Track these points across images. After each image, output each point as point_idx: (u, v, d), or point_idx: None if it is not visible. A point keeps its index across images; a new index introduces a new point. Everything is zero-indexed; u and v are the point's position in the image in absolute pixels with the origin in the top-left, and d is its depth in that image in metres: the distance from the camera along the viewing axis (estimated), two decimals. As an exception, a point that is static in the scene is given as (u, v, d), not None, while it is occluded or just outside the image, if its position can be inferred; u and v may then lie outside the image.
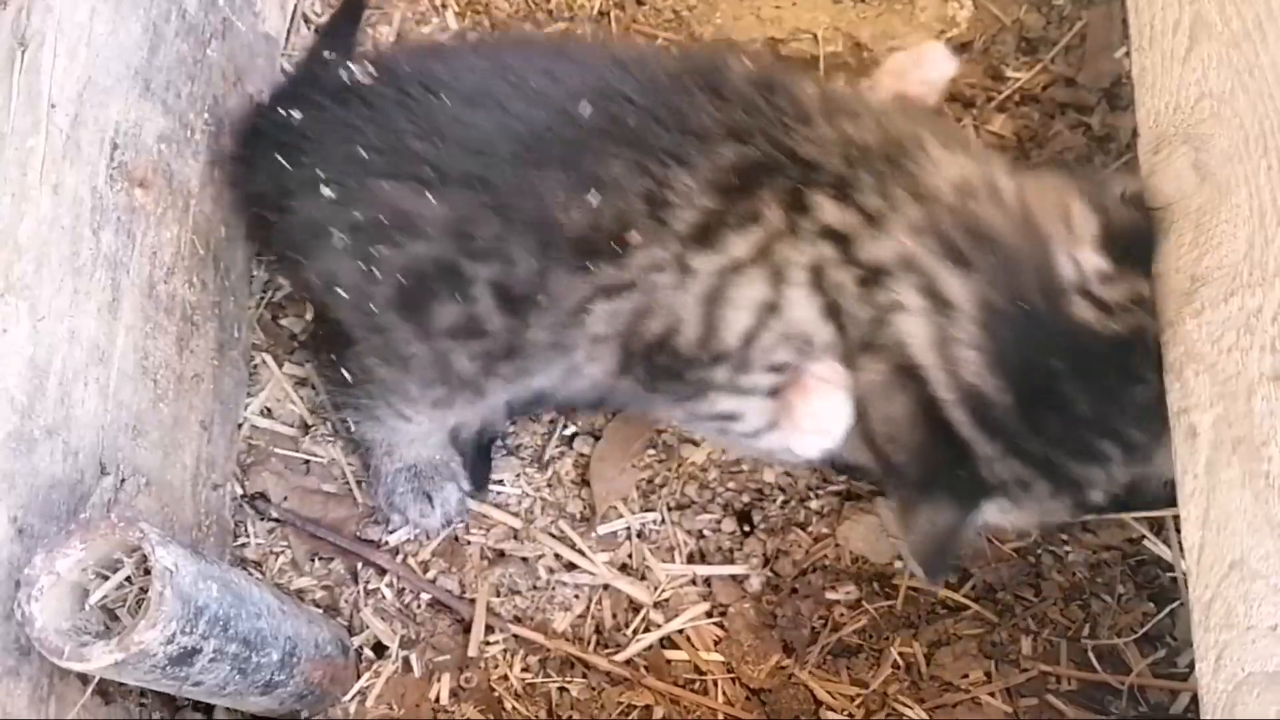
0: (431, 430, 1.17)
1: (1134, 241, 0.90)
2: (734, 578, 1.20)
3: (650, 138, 0.94)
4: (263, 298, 1.29)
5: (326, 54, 1.20)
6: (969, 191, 0.91)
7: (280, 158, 1.04)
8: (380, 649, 1.18)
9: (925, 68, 1.09)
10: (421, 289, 0.99)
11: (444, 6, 1.41)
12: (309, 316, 1.29)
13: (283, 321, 1.29)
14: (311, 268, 1.06)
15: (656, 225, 0.93)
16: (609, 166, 0.93)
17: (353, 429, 1.20)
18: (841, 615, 1.17)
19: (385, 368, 1.07)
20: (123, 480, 1.00)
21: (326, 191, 1.01)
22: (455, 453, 1.22)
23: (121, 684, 0.96)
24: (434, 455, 1.20)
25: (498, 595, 1.20)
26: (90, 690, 0.92)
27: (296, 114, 1.05)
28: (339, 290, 1.03)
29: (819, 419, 0.93)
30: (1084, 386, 0.88)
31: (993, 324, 0.87)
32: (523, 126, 0.97)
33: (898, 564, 1.19)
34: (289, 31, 1.36)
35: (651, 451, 1.25)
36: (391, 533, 1.22)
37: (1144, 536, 1.17)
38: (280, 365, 1.27)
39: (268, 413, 1.26)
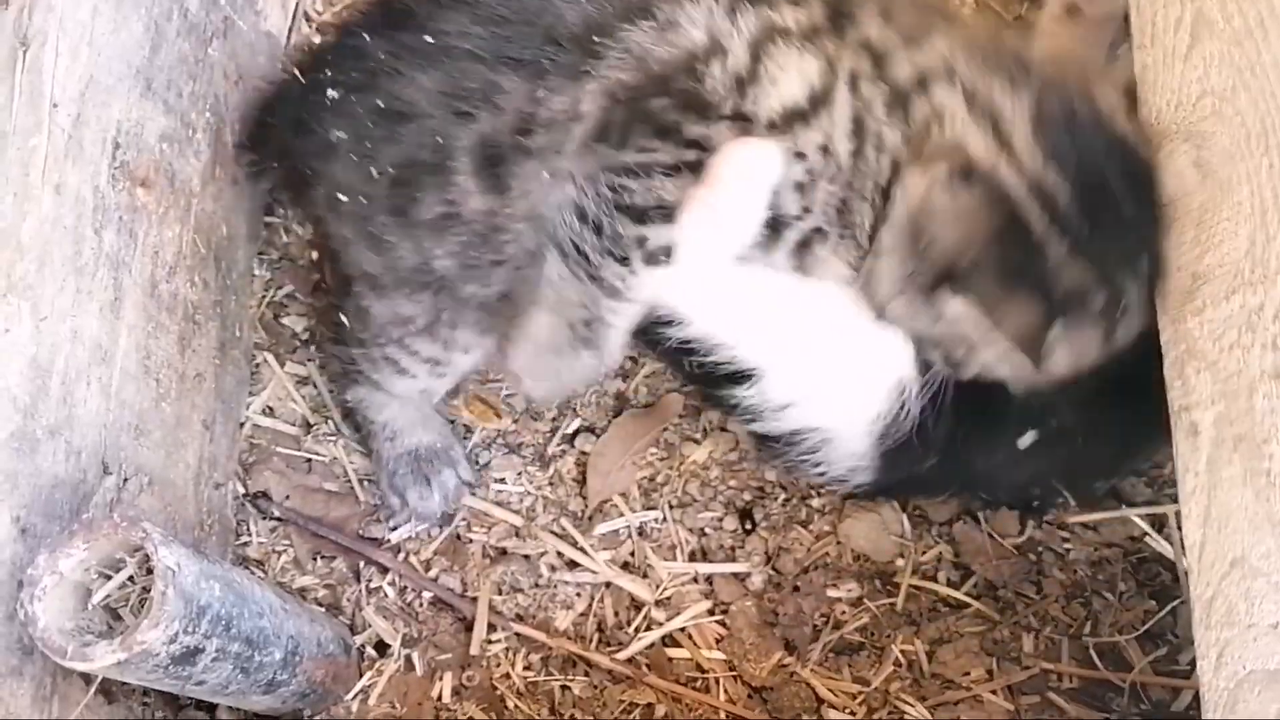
0: (429, 393, 1.18)
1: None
2: (736, 576, 1.20)
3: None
4: (264, 297, 1.29)
5: None
6: (1002, 29, 0.95)
7: (295, 68, 1.10)
8: (382, 647, 1.18)
9: None
10: (409, 181, 1.00)
11: None
12: (310, 319, 1.29)
13: (284, 320, 1.29)
14: (319, 183, 1.08)
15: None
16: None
17: (355, 410, 1.21)
18: (843, 613, 1.17)
19: (379, 302, 1.08)
20: (125, 480, 1.01)
21: (331, 91, 1.03)
22: (455, 441, 1.23)
23: (124, 683, 0.96)
24: (435, 441, 1.21)
25: (500, 593, 1.20)
26: (93, 690, 0.92)
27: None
28: (340, 197, 1.04)
29: (741, 164, 0.91)
30: (1128, 192, 0.91)
31: (1043, 129, 0.89)
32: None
33: (899, 562, 1.19)
34: (290, 30, 1.36)
35: (653, 450, 1.25)
36: (394, 529, 1.22)
37: (1146, 534, 1.17)
38: (282, 364, 1.27)
39: (270, 411, 1.26)
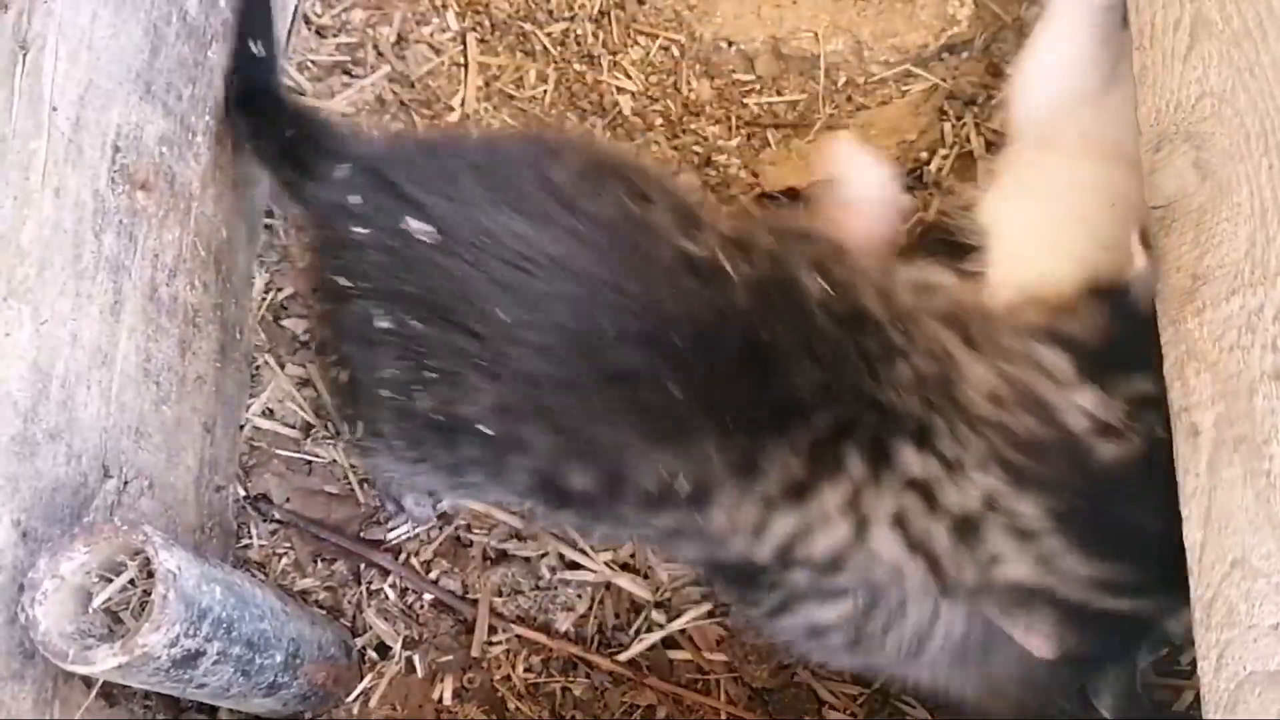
0: None
1: (1105, 348, 0.91)
2: (736, 577, 1.20)
3: (739, 409, 0.89)
4: (264, 299, 1.29)
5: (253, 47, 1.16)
6: (1000, 401, 0.90)
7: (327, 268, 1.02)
8: (383, 650, 1.18)
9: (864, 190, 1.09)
10: (456, 434, 0.96)
11: (444, 7, 1.41)
12: (310, 321, 1.29)
13: (284, 323, 1.29)
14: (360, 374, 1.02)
15: (742, 489, 0.90)
16: (694, 440, 0.89)
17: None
18: (844, 614, 1.17)
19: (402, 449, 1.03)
20: (126, 483, 1.01)
21: (380, 322, 0.96)
22: None
23: (125, 687, 0.96)
24: None
25: (500, 595, 1.20)
26: (94, 693, 0.92)
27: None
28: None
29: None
30: (1147, 510, 0.88)
31: (1066, 524, 0.87)
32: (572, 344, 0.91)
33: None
34: (290, 32, 1.36)
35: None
36: (391, 530, 1.22)
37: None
38: (282, 367, 1.27)
39: (270, 414, 1.26)
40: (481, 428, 0.93)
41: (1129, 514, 0.88)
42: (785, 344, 0.90)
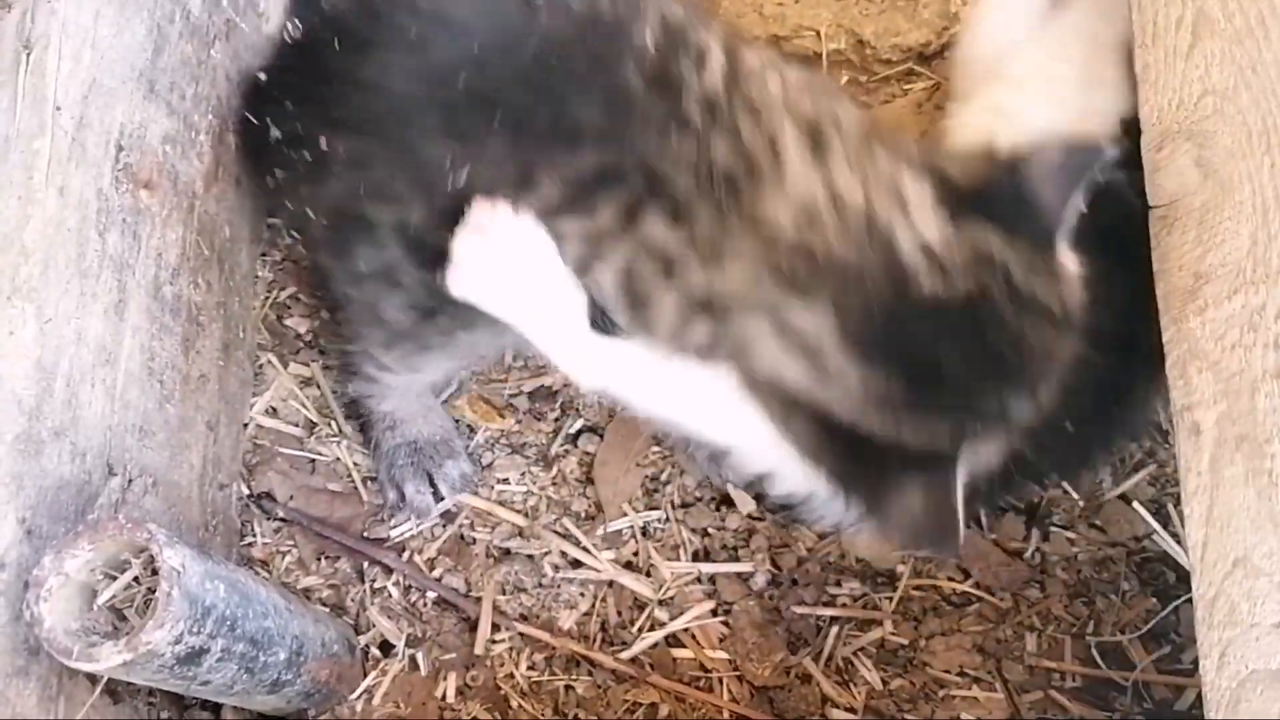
0: (418, 389, 1.19)
1: (974, 193, 0.88)
2: (738, 575, 1.20)
3: (526, 126, 0.91)
4: (267, 298, 1.29)
5: None
6: (811, 217, 0.87)
7: (247, 112, 1.13)
8: (386, 647, 1.18)
9: None
10: (343, 231, 1.02)
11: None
12: (313, 320, 1.29)
13: (288, 322, 1.30)
14: (279, 212, 1.14)
15: (517, 198, 0.92)
16: (482, 143, 0.92)
17: (357, 402, 1.22)
18: (846, 610, 1.18)
19: (342, 310, 1.10)
20: (130, 481, 1.01)
21: (273, 132, 1.06)
22: (455, 434, 1.24)
23: (130, 684, 0.96)
24: (434, 434, 1.22)
25: (503, 593, 1.20)
26: (99, 690, 0.92)
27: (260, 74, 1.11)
28: (292, 231, 1.09)
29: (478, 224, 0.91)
30: (959, 349, 0.85)
31: (857, 336, 0.84)
32: (410, 75, 0.96)
33: (900, 567, 1.19)
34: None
35: (655, 448, 1.25)
36: (395, 527, 1.22)
37: (1149, 534, 1.17)
38: (285, 365, 1.27)
39: (273, 412, 1.26)
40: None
41: (932, 342, 0.84)
42: (577, 78, 0.91)
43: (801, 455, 0.89)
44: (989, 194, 0.87)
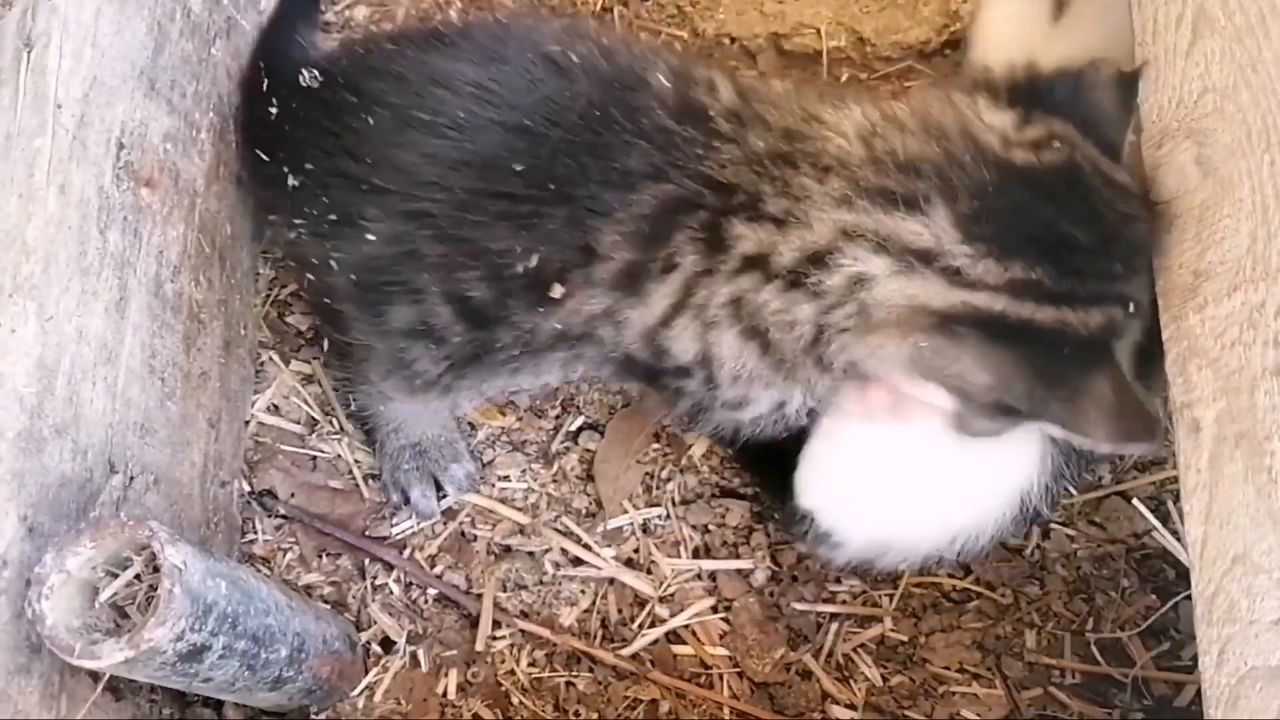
0: (425, 411, 1.18)
1: (1028, 85, 0.92)
2: (739, 572, 1.20)
3: (578, 188, 0.92)
4: (268, 295, 1.29)
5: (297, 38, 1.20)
6: (871, 133, 0.89)
7: (257, 148, 1.10)
8: (388, 644, 1.18)
9: None
10: (377, 290, 1.00)
11: (448, 4, 1.41)
12: (314, 317, 1.29)
13: (289, 319, 1.30)
14: (285, 246, 1.12)
15: (589, 274, 0.93)
16: (543, 222, 0.93)
17: (355, 405, 1.21)
18: (846, 607, 1.18)
19: (357, 354, 1.09)
20: (131, 478, 1.01)
21: (291, 180, 1.04)
22: (459, 436, 1.24)
23: (132, 681, 0.97)
24: (439, 435, 1.21)
25: (504, 590, 1.20)
26: (101, 687, 0.92)
27: (271, 107, 1.09)
28: (308, 274, 1.08)
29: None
30: (1075, 219, 0.86)
31: (977, 226, 0.84)
32: (457, 155, 0.96)
33: (901, 566, 1.19)
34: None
35: (656, 445, 1.25)
36: (396, 525, 1.22)
37: (1149, 530, 1.17)
38: (287, 363, 1.28)
39: (275, 410, 1.26)
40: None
41: (1049, 214, 0.85)
42: (618, 130, 0.93)
43: (977, 389, 0.85)
44: (1052, 91, 0.91)
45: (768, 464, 1.15)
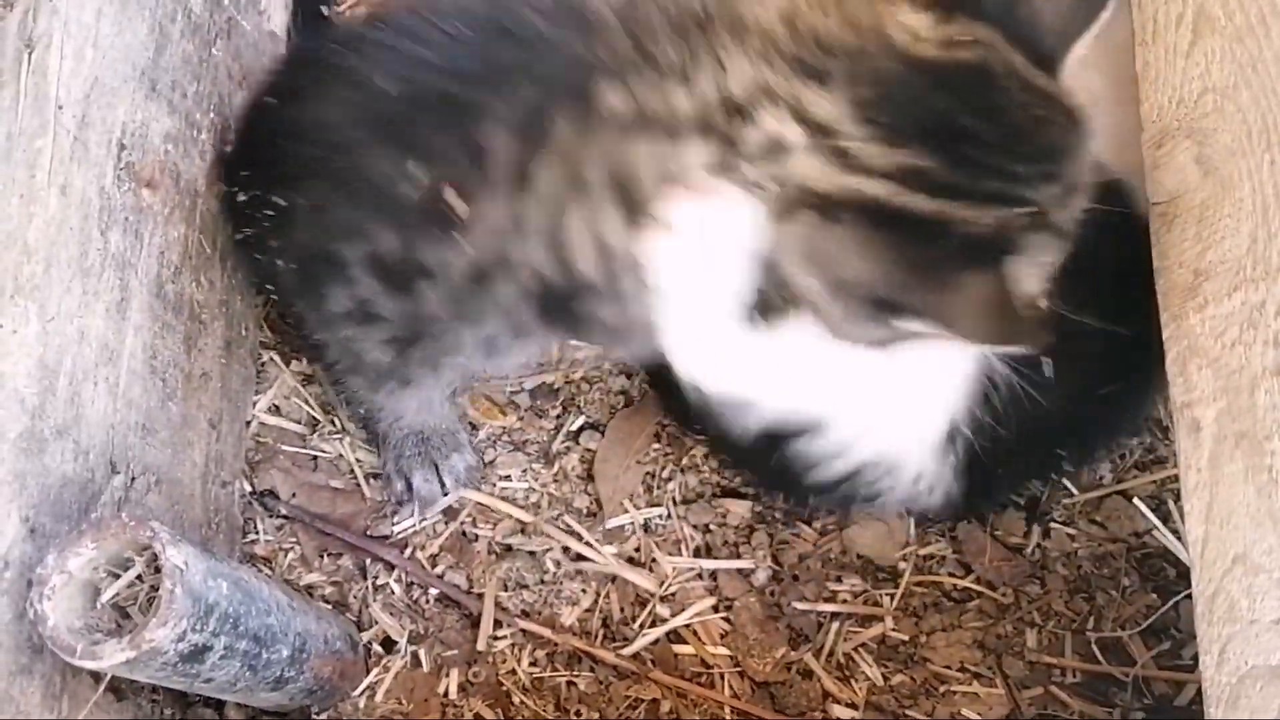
0: (418, 402, 1.19)
1: None
2: (740, 571, 1.20)
3: (456, 90, 0.90)
4: (269, 296, 1.29)
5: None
6: (794, 13, 0.85)
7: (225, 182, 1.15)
8: (389, 644, 1.18)
9: None
10: (312, 273, 1.02)
11: None
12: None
13: (290, 319, 1.30)
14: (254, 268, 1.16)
15: (480, 182, 0.90)
16: (422, 131, 0.92)
17: (352, 404, 1.22)
18: (847, 606, 1.18)
19: (321, 359, 1.12)
20: (133, 479, 1.01)
21: (240, 196, 1.09)
22: (460, 427, 1.24)
23: (133, 681, 0.97)
24: (440, 424, 1.21)
25: (505, 590, 1.20)
26: (102, 688, 0.92)
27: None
28: (266, 285, 1.11)
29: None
30: (976, 114, 0.82)
31: (871, 111, 0.81)
32: (350, 105, 0.97)
33: (901, 564, 1.20)
34: (291, 32, 1.36)
35: (656, 445, 1.25)
36: (397, 523, 1.22)
37: (1150, 529, 1.17)
38: (288, 363, 1.28)
39: (276, 410, 1.26)
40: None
41: (948, 105, 0.81)
42: (489, 32, 0.91)
43: (849, 281, 0.82)
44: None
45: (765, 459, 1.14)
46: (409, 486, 1.22)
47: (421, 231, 0.93)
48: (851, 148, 0.80)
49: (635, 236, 0.87)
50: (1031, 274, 0.84)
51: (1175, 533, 1.15)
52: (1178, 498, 1.07)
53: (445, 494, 1.22)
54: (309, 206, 1.00)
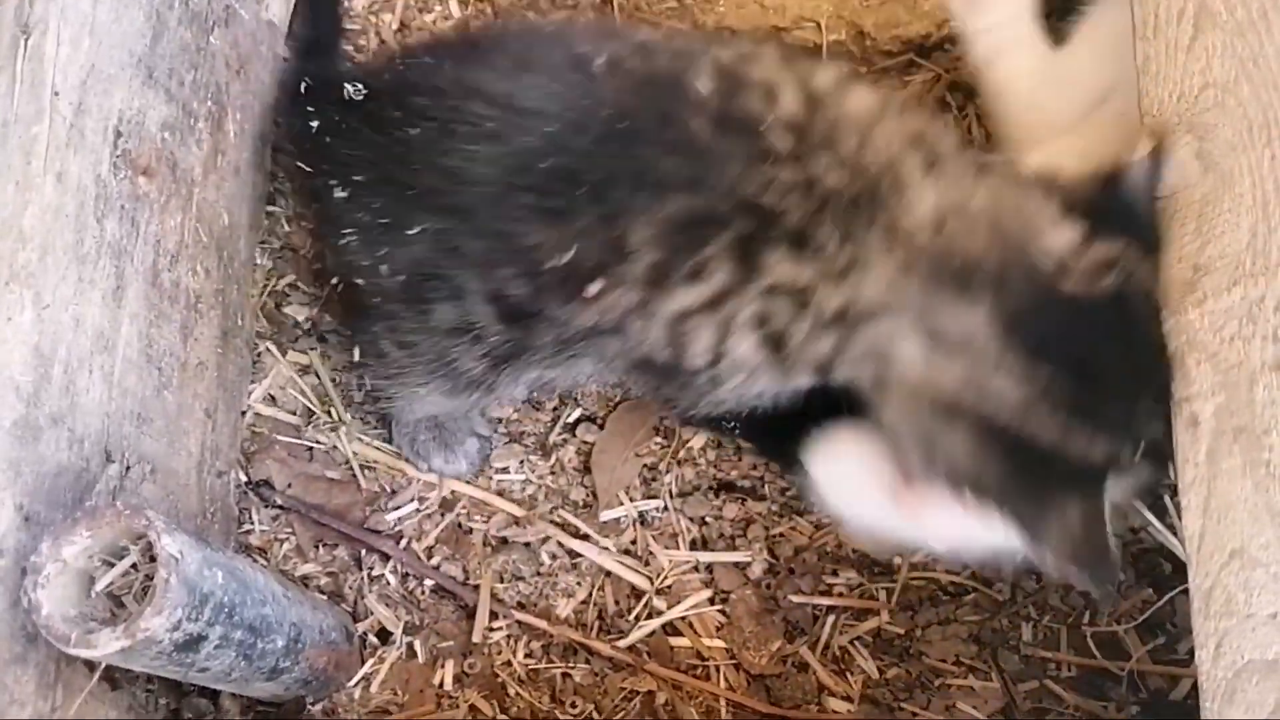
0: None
1: (1095, 203, 0.91)
2: (736, 564, 1.20)
3: (611, 189, 0.93)
4: (266, 285, 1.29)
5: (306, 80, 1.18)
6: (941, 225, 0.91)
7: (301, 161, 1.14)
8: (384, 635, 1.18)
9: None
10: (422, 289, 1.02)
11: (446, -7, 1.40)
12: (312, 308, 1.29)
13: (286, 309, 1.29)
14: (333, 255, 1.14)
15: (621, 273, 0.94)
16: (574, 218, 0.94)
17: (369, 390, 1.21)
18: (843, 599, 1.18)
19: (396, 350, 1.10)
20: (128, 468, 1.01)
21: (339, 192, 1.06)
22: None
23: (128, 670, 0.96)
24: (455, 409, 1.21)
25: (501, 581, 1.20)
26: (97, 677, 0.92)
27: (312, 121, 1.11)
28: (357, 279, 1.09)
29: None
30: (1112, 350, 0.88)
31: (1014, 331, 0.87)
32: (494, 159, 0.97)
33: (897, 559, 1.20)
34: (292, 18, 1.35)
35: (656, 439, 1.25)
36: (393, 514, 1.22)
37: (1145, 525, 1.17)
38: (284, 353, 1.27)
39: (271, 400, 1.26)
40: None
41: (1088, 339, 0.87)
42: (648, 138, 0.93)
43: (956, 470, 0.89)
44: (1111, 207, 0.90)
45: (772, 436, 1.16)
46: (430, 470, 1.23)
47: (553, 292, 0.96)
48: (990, 361, 0.86)
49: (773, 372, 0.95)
50: (1117, 497, 0.90)
51: (1171, 528, 1.15)
52: (1174, 492, 1.07)
53: (467, 469, 1.23)
54: (435, 230, 1.00)
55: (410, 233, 1.00)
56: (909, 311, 0.89)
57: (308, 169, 1.13)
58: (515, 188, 0.96)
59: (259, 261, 1.29)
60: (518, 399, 1.24)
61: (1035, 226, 0.90)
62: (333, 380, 1.26)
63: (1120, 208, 0.90)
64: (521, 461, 1.25)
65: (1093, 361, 0.87)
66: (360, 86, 1.07)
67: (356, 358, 1.19)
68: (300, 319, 1.29)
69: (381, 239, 1.03)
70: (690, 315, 0.94)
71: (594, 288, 0.94)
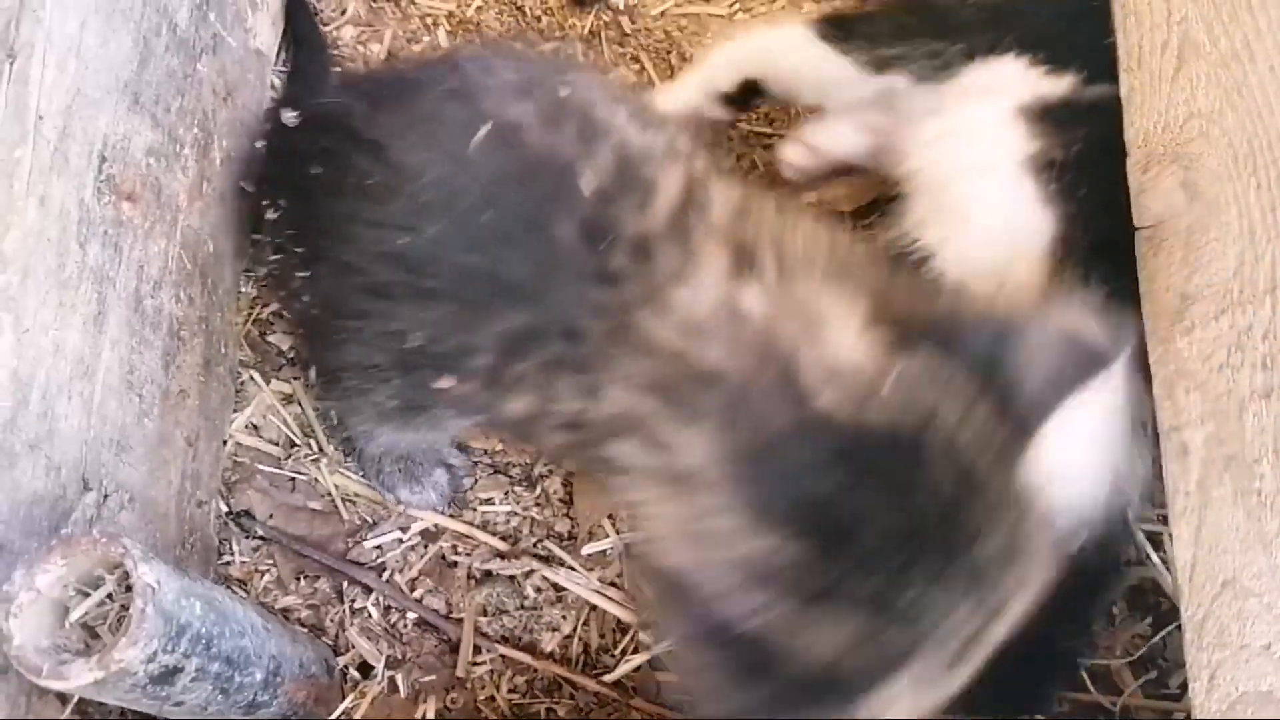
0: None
1: (932, 327, 0.72)
2: (723, 598, 1.19)
3: (469, 285, 0.86)
4: (250, 314, 1.28)
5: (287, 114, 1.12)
6: (697, 330, 0.76)
7: (243, 180, 1.17)
8: (366, 669, 1.16)
9: None
10: (333, 324, 0.99)
11: (435, 25, 1.41)
12: (295, 337, 1.28)
13: (270, 338, 1.28)
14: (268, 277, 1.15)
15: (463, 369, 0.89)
16: (433, 305, 0.89)
17: (339, 415, 1.20)
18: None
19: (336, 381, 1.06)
20: (105, 496, 0.99)
21: (269, 214, 1.06)
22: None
23: (101, 704, 0.94)
24: (418, 440, 1.19)
25: (485, 615, 1.18)
26: (69, 709, 0.90)
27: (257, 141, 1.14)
28: (283, 297, 1.10)
29: None
30: (880, 502, 0.64)
31: (743, 468, 0.66)
32: (371, 224, 0.92)
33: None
34: (280, 48, 1.36)
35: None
36: (375, 545, 1.20)
37: (1141, 559, 1.17)
38: (267, 382, 1.26)
39: (253, 429, 1.25)
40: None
41: (845, 485, 0.64)
42: (515, 234, 0.84)
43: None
44: (957, 336, 0.70)
45: None
46: (399, 501, 1.21)
47: (413, 368, 0.93)
48: (710, 498, 0.66)
49: None
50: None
51: (1165, 562, 1.15)
52: (1165, 522, 1.07)
53: (436, 502, 1.21)
54: (332, 270, 0.96)
55: (319, 268, 0.98)
56: (637, 430, 0.75)
57: (249, 188, 1.14)
58: (385, 256, 0.90)
59: (243, 289, 1.28)
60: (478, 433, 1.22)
61: (811, 337, 0.71)
62: (315, 410, 1.25)
63: (981, 352, 0.69)
64: (506, 493, 1.24)
65: (851, 518, 0.63)
66: (295, 113, 1.05)
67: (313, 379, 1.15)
68: (284, 347, 1.28)
69: (299, 268, 1.01)
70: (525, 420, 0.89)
71: (444, 383, 0.90)
